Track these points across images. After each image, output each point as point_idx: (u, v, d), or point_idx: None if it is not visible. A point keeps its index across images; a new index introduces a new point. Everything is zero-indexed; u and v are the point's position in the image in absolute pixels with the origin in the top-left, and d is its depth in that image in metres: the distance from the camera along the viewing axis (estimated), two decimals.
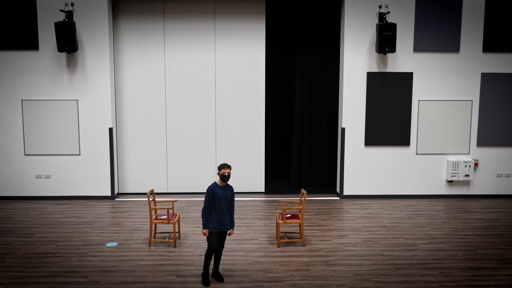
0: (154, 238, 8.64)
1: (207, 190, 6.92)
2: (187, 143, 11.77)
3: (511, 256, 8.06)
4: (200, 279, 7.03)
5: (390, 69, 11.28)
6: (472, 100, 11.43)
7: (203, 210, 6.91)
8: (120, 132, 11.73)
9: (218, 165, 7.11)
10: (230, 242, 8.57)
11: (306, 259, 7.89)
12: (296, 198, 10.82)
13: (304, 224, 9.27)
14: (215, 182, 7.01)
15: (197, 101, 11.67)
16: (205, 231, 6.89)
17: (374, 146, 11.48)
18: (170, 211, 9.27)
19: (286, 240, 8.59)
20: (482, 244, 8.59)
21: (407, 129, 11.43)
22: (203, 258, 7.85)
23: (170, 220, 8.41)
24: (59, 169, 11.34)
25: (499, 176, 11.65)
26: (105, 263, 7.72)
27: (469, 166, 11.38)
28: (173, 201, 8.86)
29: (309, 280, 7.12)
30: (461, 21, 11.16)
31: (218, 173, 6.96)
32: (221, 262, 7.59)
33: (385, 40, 10.71)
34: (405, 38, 11.16)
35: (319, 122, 12.28)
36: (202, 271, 7.09)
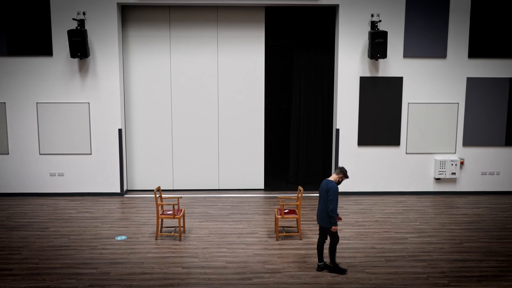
0: (161, 232, 8.66)
1: (336, 190, 6.86)
2: (192, 143, 11.78)
3: (495, 248, 8.08)
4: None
5: (381, 73, 11.28)
6: (458, 103, 11.43)
7: (335, 209, 6.83)
8: (129, 133, 11.74)
9: (345, 170, 7.03)
10: (231, 236, 8.60)
11: (303, 251, 7.90)
12: (293, 195, 10.85)
13: (301, 219, 9.28)
14: (333, 182, 6.95)
15: (201, 103, 11.68)
16: (336, 227, 6.91)
17: (366, 146, 11.49)
18: (176, 207, 9.29)
19: (284, 234, 8.60)
20: (468, 238, 8.61)
21: (397, 130, 11.44)
22: (206, 251, 7.88)
23: (175, 215, 8.42)
24: (72, 168, 11.35)
25: (483, 174, 11.65)
26: (115, 255, 7.73)
27: (456, 164, 11.39)
28: (178, 198, 8.86)
29: (305, 271, 7.13)
30: (448, 29, 11.17)
31: (342, 176, 6.98)
32: (223, 254, 7.63)
33: (377, 47, 10.72)
34: (395, 44, 11.16)
35: (315, 123, 12.29)
36: (331, 266, 7.07)
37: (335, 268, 7.08)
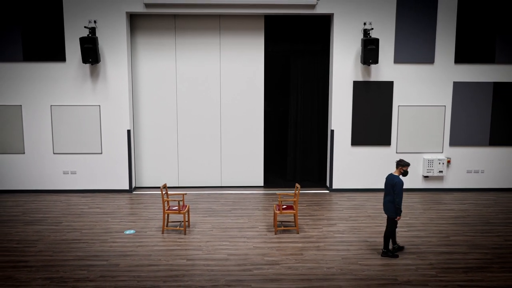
0: (167, 226, 8.65)
1: (402, 184, 7.03)
2: (196, 143, 11.78)
3: (479, 242, 8.08)
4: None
5: (373, 78, 11.29)
6: (445, 106, 11.44)
7: (400, 202, 7.04)
8: (137, 134, 11.74)
9: (401, 161, 7.20)
10: (233, 230, 8.60)
11: (300, 244, 7.90)
12: (291, 191, 10.85)
13: (298, 214, 9.29)
14: (398, 176, 7.13)
15: (204, 106, 11.68)
16: (400, 217, 7.14)
17: (359, 145, 11.49)
18: (181, 203, 9.29)
19: (282, 228, 8.59)
20: (454, 232, 8.61)
21: (388, 130, 11.44)
22: (209, 244, 7.88)
23: (180, 210, 8.42)
24: (84, 166, 11.35)
25: (468, 172, 11.66)
26: (124, 248, 7.73)
27: (443, 163, 11.40)
28: (183, 194, 8.86)
29: (302, 263, 7.13)
30: (436, 36, 11.17)
31: (403, 168, 7.16)
32: (225, 247, 7.63)
33: (369, 53, 10.72)
34: (386, 51, 11.17)
35: (311, 124, 12.29)
36: (383, 250, 7.36)
37: (387, 252, 7.35)
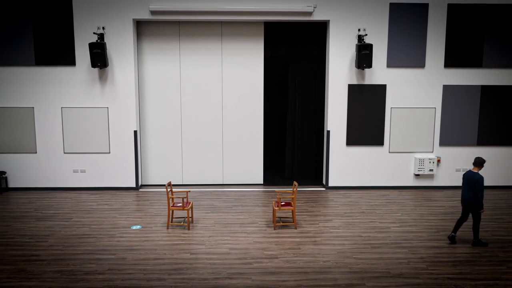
0: (171, 222, 8.65)
1: (483, 180, 7.31)
2: (199, 143, 11.78)
3: (467, 236, 8.08)
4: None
5: (367, 81, 11.29)
6: (435, 108, 11.44)
7: (483, 196, 7.31)
8: (143, 134, 11.74)
9: (481, 159, 7.46)
10: (234, 226, 8.60)
11: (297, 239, 7.90)
12: (289, 189, 10.85)
13: (296, 210, 9.28)
14: (478, 173, 7.40)
15: (207, 107, 11.68)
16: (483, 210, 7.43)
17: (354, 145, 11.49)
18: (185, 200, 9.29)
19: (281, 223, 8.59)
20: (444, 227, 8.61)
21: (381, 131, 11.44)
22: (212, 239, 7.88)
23: (184, 207, 8.42)
24: (93, 165, 11.35)
25: (457, 170, 11.65)
26: (131, 242, 7.73)
27: (433, 162, 11.39)
28: (187, 191, 8.86)
29: (300, 257, 7.13)
30: (426, 41, 11.17)
31: (481, 166, 7.45)
32: (227, 242, 7.62)
33: (363, 58, 10.72)
34: (379, 56, 11.17)
35: (308, 125, 12.28)
36: (474, 240, 7.59)
37: (478, 242, 7.58)
